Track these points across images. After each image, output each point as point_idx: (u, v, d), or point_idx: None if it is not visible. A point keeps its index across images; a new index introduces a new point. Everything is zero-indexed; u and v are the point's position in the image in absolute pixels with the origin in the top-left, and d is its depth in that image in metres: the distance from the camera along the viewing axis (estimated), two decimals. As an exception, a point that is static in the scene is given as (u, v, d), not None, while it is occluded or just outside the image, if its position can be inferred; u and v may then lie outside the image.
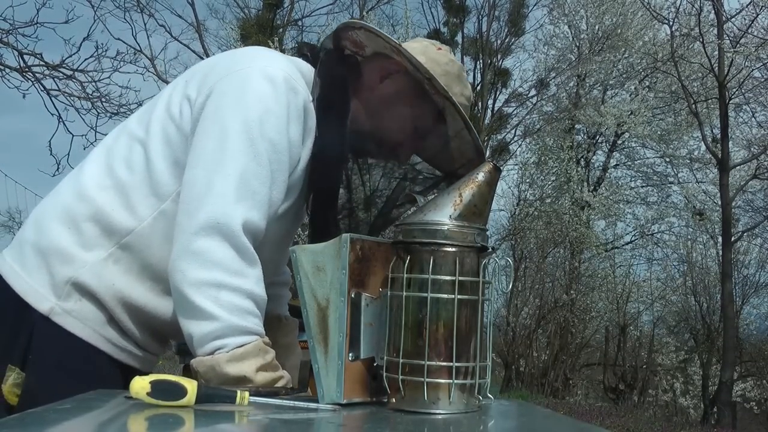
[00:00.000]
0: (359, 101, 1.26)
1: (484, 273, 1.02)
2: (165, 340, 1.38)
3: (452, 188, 1.03)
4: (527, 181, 15.03)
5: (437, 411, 0.97)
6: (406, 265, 0.99)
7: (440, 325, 0.98)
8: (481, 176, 1.03)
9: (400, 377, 0.98)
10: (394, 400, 1.00)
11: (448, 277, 0.98)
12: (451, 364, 0.97)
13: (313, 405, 0.99)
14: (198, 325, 1.12)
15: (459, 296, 0.98)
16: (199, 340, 1.12)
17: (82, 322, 1.21)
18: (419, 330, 0.98)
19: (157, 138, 1.21)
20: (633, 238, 15.52)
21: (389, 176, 1.39)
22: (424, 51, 1.25)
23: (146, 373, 1.34)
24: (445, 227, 0.99)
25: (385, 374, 1.00)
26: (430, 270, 0.98)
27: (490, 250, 1.02)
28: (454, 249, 0.99)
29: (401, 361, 0.98)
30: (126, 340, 1.26)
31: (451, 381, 0.97)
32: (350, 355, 1.00)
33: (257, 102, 1.15)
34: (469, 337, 1.00)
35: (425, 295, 0.98)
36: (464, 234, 1.00)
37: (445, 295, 0.98)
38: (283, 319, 1.48)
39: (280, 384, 1.13)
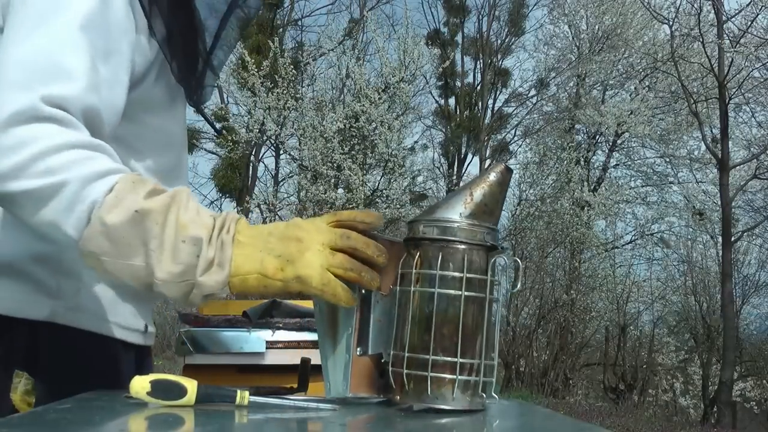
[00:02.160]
0: None
1: (493, 272, 1.01)
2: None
3: (463, 187, 1.04)
4: (527, 181, 15.06)
5: (441, 406, 0.96)
6: (415, 260, 0.99)
7: (446, 321, 0.98)
8: (492, 176, 1.03)
9: (405, 371, 0.97)
10: (398, 395, 0.99)
11: (455, 274, 0.98)
12: (456, 359, 0.97)
13: (313, 404, 0.97)
14: (49, 213, 0.85)
15: (466, 293, 0.98)
16: (63, 220, 0.85)
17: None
18: (425, 325, 0.98)
19: None
20: (633, 238, 15.56)
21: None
22: None
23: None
24: (455, 224, 1.00)
25: (390, 369, 0.99)
26: (438, 266, 0.98)
27: (500, 249, 1.02)
28: (463, 246, 0.99)
29: (406, 355, 0.97)
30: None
31: (456, 377, 0.97)
32: (358, 349, 1.00)
33: None
34: (475, 335, 0.99)
35: (432, 290, 0.98)
36: (474, 232, 1.00)
37: (452, 291, 0.98)
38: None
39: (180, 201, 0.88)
